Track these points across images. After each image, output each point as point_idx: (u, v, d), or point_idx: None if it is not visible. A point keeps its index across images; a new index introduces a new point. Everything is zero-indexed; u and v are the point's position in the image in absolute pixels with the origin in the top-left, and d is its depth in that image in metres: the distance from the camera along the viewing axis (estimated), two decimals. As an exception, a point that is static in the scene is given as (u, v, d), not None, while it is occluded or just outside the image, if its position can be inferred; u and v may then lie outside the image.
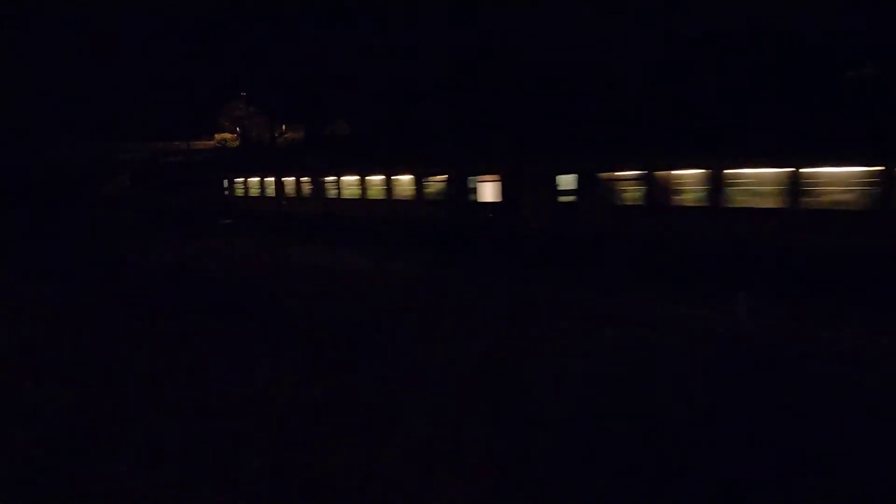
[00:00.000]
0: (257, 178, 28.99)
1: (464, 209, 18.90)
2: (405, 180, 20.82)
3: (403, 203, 20.94)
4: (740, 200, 12.69)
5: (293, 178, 26.54)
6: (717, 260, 13.22)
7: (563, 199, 16.20)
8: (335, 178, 24.04)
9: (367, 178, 22.45)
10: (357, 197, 23.04)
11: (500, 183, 17.77)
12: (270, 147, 58.97)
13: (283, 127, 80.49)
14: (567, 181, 16.10)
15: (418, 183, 20.33)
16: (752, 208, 12.53)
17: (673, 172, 13.80)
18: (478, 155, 19.05)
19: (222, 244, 24.61)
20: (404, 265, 17.73)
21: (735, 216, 12.79)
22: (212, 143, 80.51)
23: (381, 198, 21.84)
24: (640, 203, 14.49)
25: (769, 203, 12.26)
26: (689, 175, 13.55)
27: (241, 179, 30.09)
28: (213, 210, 31.67)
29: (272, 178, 27.93)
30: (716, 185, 12.96)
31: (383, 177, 21.64)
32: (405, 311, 12.09)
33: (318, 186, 25.07)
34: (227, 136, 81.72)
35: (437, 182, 19.68)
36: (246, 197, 29.91)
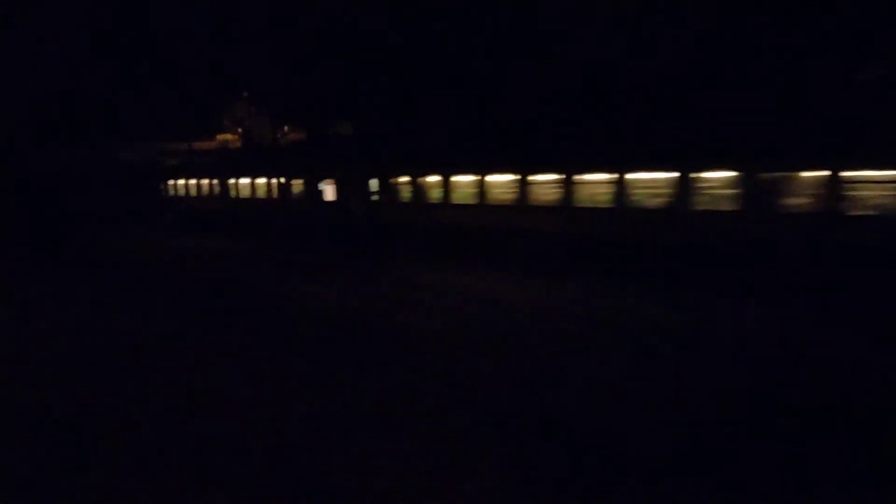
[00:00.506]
0: (183, 181, 35.55)
1: (314, 205, 24.55)
2: (274, 183, 27.29)
3: (274, 201, 27.26)
4: (458, 198, 18.44)
5: (203, 180, 33.17)
6: (475, 242, 17.87)
7: (372, 198, 21.69)
8: (234, 180, 30.43)
9: (255, 181, 28.74)
10: (245, 196, 29.69)
11: (335, 186, 23.46)
12: (243, 151, 58.97)
13: (286, 128, 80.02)
14: (374, 185, 21.58)
15: (286, 186, 26.45)
16: (478, 204, 17.70)
17: (428, 179, 19.37)
18: (324, 165, 24.88)
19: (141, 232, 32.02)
20: (255, 245, 24.36)
21: (458, 210, 18.37)
22: (214, 143, 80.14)
23: (263, 196, 28.00)
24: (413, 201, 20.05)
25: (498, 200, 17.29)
26: (436, 181, 19.12)
27: (172, 182, 37.00)
28: (154, 208, 38.71)
29: (193, 181, 34.13)
30: (447, 188, 18.70)
31: (265, 180, 27.84)
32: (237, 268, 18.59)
33: (223, 188, 31.30)
34: (229, 136, 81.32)
35: (297, 185, 25.64)
36: (177, 197, 36.56)
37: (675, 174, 13.50)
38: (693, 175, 13.25)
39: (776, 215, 12.21)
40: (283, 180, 26.68)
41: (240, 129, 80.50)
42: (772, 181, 12.26)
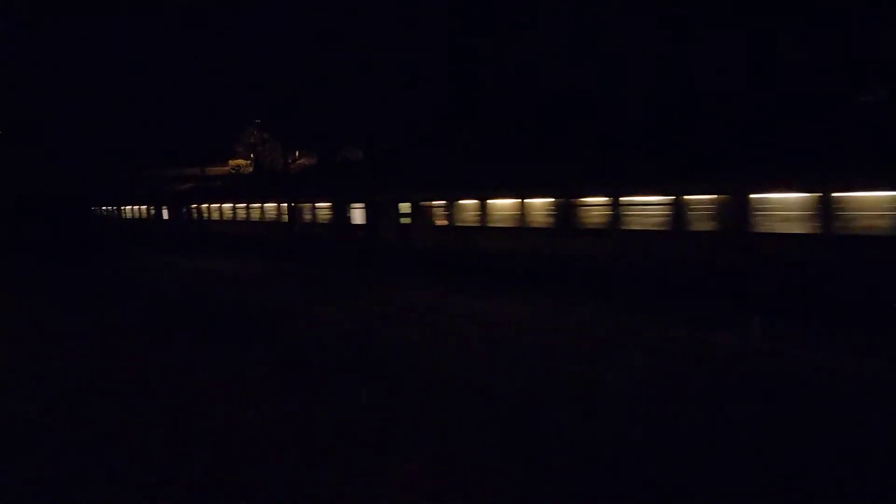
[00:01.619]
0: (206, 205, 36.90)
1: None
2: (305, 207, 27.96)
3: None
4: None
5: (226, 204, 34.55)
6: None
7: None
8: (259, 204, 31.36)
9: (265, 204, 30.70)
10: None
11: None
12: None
13: (297, 153, 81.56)
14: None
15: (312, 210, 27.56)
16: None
17: (462, 202, 19.78)
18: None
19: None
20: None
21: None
22: (226, 168, 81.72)
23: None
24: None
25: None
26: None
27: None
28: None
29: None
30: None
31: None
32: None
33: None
34: (241, 161, 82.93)
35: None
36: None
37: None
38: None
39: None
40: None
41: (252, 155, 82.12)
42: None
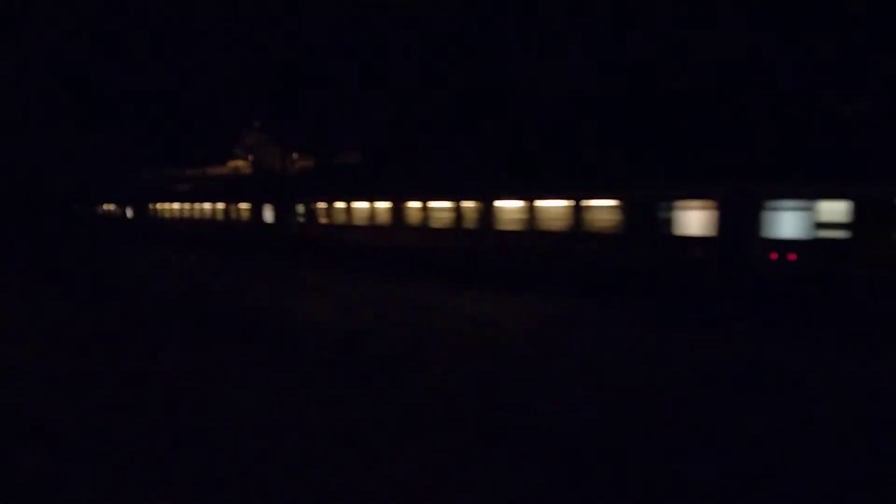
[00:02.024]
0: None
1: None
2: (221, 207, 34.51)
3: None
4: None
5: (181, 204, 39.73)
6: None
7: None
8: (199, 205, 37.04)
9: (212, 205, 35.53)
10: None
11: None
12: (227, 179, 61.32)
13: (295, 155, 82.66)
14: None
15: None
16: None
17: (335, 205, 25.10)
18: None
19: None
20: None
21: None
22: (226, 169, 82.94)
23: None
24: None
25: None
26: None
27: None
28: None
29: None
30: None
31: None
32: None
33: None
34: (240, 163, 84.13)
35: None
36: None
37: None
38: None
39: None
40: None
41: (250, 157, 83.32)
42: None
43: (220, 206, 34.53)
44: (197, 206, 37.35)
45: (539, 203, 17.16)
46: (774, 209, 13.07)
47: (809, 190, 12.66)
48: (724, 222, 13.63)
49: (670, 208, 14.51)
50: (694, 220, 14.13)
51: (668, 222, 14.49)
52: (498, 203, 18.45)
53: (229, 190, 41.11)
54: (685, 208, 14.25)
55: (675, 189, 14.35)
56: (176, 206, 40.13)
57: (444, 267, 20.26)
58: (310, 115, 65.16)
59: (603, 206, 15.79)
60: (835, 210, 12.40)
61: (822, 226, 12.59)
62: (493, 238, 18.68)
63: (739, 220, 13.49)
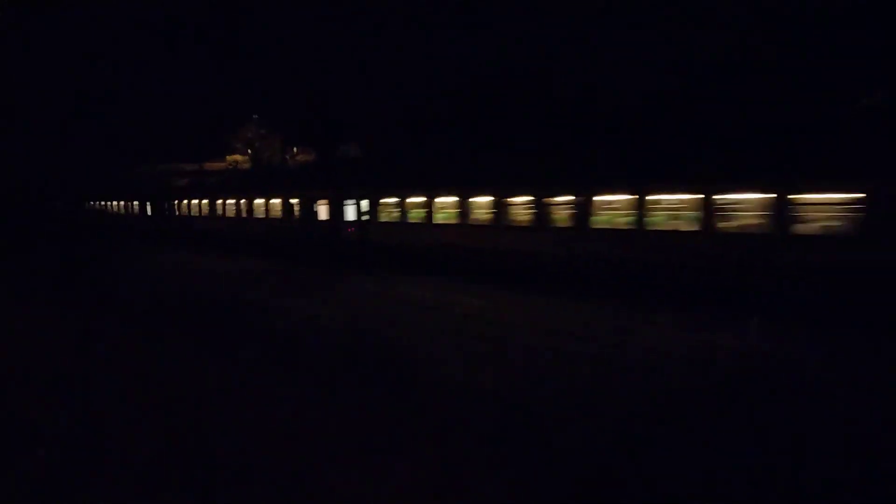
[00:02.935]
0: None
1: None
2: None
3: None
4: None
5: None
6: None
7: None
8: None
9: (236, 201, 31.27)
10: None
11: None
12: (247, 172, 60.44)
13: (294, 149, 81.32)
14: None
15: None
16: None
17: (408, 200, 20.85)
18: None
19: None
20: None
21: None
22: (224, 164, 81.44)
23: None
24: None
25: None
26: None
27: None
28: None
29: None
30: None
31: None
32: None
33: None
34: (239, 157, 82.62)
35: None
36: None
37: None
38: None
39: None
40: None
41: (249, 150, 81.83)
42: None
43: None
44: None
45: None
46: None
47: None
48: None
49: None
50: None
51: None
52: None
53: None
54: None
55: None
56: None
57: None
58: (311, 108, 63.81)
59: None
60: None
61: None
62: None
63: None
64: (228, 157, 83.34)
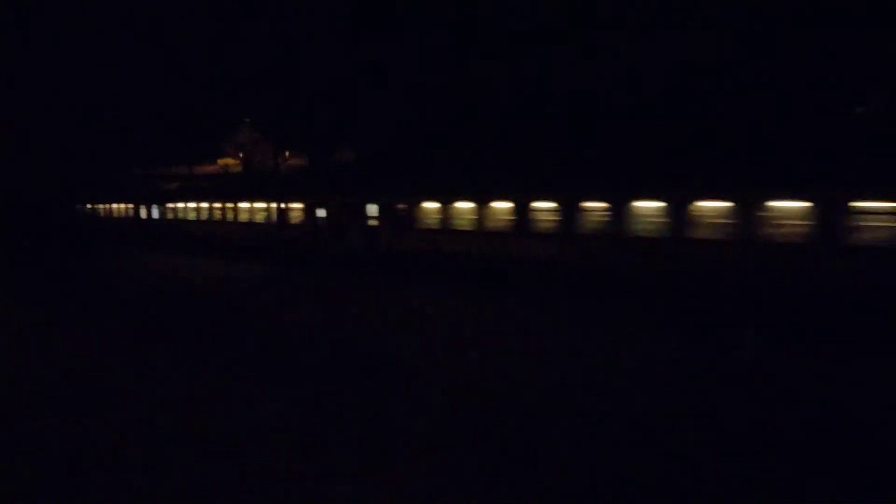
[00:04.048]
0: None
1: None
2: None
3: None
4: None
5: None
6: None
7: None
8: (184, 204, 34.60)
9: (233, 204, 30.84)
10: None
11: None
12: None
13: (287, 154, 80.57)
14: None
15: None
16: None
17: (423, 205, 20.49)
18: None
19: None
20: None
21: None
22: (215, 167, 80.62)
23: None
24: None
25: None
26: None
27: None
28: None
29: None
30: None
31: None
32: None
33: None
34: (230, 161, 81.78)
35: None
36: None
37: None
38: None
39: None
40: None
41: (241, 154, 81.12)
42: None
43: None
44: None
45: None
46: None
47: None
48: None
49: None
50: None
51: None
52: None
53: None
54: None
55: None
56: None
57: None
58: (304, 112, 63.34)
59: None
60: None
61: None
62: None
63: None
64: (220, 161, 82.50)
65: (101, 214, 49.52)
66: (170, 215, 36.95)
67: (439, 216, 19.80)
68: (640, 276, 14.78)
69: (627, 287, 14.97)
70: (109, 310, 15.95)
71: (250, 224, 29.22)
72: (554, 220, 16.85)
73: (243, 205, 29.76)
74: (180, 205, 35.76)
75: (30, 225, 51.54)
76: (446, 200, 19.68)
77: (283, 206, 27.03)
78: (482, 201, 18.59)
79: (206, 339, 12.23)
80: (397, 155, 42.40)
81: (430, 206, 20.25)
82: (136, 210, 42.37)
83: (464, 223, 19.14)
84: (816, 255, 12.26)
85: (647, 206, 14.83)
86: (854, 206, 11.79)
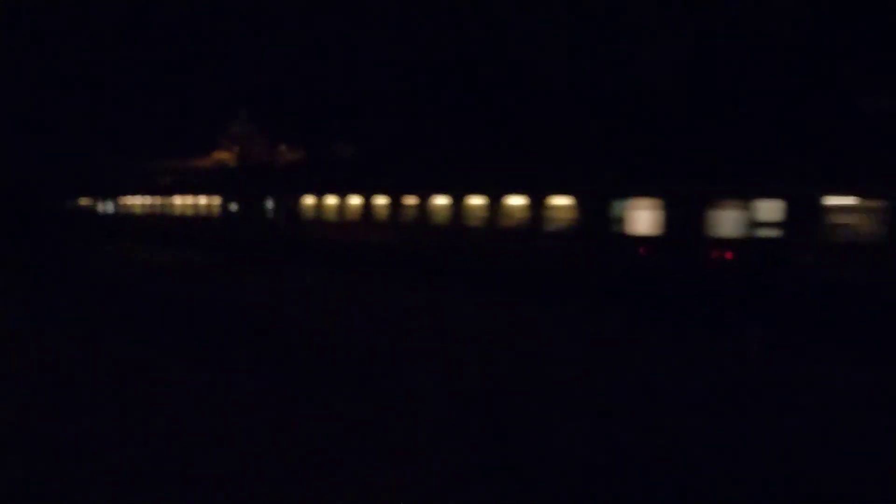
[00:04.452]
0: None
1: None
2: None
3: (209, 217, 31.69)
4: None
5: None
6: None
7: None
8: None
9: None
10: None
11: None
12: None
13: (283, 147, 79.22)
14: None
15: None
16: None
17: (305, 201, 24.88)
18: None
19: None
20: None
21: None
22: (210, 161, 79.35)
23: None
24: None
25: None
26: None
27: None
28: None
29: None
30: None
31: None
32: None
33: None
34: (225, 154, 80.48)
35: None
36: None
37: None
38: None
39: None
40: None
41: (236, 148, 79.80)
42: None
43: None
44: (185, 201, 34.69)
45: None
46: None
47: None
48: None
49: None
50: None
51: None
52: None
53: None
54: None
55: None
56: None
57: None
58: (301, 105, 62.00)
59: None
60: None
61: None
62: None
63: None
64: (214, 154, 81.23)
65: (82, 209, 49.92)
66: (123, 210, 41.38)
67: (316, 209, 24.11)
68: (445, 255, 19.23)
69: (433, 263, 19.38)
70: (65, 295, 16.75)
71: (183, 218, 33.71)
72: (386, 213, 21.30)
73: (179, 200, 34.15)
74: (135, 200, 40.04)
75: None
76: (320, 195, 23.94)
77: (207, 201, 31.55)
78: (343, 196, 23.09)
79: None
80: (393, 150, 41.39)
81: (310, 201, 24.75)
82: (94, 204, 46.70)
83: (330, 216, 23.65)
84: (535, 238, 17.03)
85: (443, 202, 19.37)
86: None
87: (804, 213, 12.04)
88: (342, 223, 22.65)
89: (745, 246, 12.89)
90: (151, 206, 37.30)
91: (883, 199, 11.32)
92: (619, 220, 15.12)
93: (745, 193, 12.94)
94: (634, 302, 14.23)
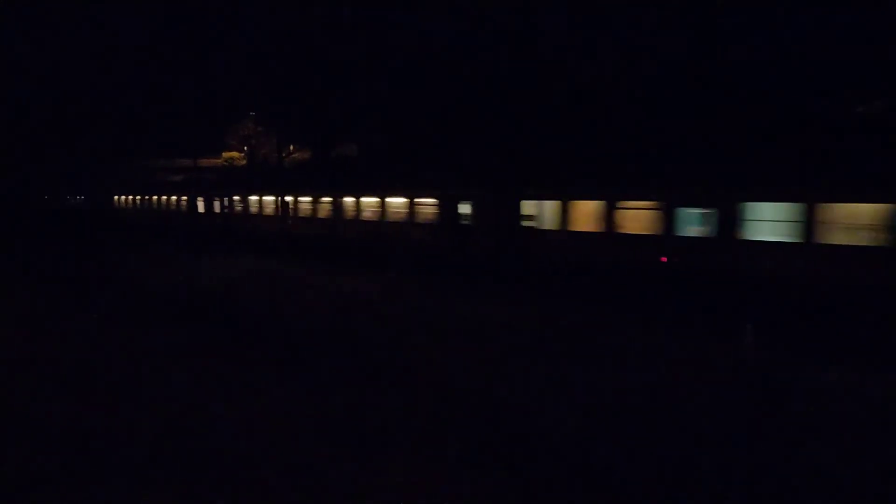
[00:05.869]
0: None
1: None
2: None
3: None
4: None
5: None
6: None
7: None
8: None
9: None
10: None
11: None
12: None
13: (291, 147, 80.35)
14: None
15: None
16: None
17: (251, 198, 32.62)
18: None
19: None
20: None
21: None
22: (219, 160, 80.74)
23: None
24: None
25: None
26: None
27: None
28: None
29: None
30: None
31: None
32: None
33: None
34: (235, 154, 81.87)
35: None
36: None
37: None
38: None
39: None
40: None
41: (246, 147, 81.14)
42: None
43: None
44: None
45: None
46: None
47: None
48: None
49: None
50: None
51: None
52: None
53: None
54: None
55: None
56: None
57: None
58: (309, 106, 63.00)
59: None
60: None
61: None
62: None
63: None
64: (224, 154, 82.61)
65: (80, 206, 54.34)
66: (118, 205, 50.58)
67: (258, 206, 30.05)
68: (362, 246, 23.69)
69: (351, 251, 24.08)
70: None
71: (163, 212, 43.31)
72: (311, 210, 26.21)
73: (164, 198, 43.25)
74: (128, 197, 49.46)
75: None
76: (260, 194, 29.67)
77: (179, 198, 40.62)
78: (280, 195, 27.58)
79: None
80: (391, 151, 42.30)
81: (253, 198, 30.71)
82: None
83: (269, 211, 29.21)
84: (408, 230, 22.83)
85: (363, 200, 24.27)
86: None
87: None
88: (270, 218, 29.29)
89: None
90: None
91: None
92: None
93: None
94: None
